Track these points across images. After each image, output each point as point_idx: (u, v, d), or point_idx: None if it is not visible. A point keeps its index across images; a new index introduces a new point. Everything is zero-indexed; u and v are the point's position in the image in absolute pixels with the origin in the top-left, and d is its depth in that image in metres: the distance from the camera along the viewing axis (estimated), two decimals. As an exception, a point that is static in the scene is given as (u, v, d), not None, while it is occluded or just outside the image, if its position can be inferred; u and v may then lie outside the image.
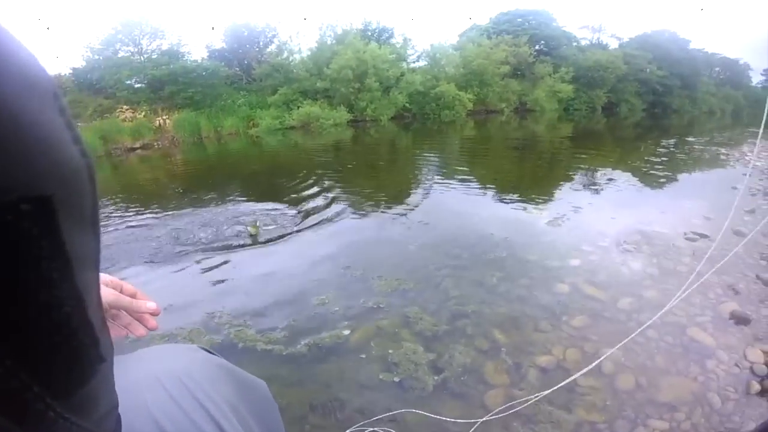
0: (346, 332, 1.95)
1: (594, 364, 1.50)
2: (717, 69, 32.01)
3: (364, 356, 1.83)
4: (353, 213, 3.70)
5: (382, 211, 3.67)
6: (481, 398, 1.60)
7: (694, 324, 2.09)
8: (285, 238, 3.30)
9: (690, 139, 9.28)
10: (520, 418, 1.50)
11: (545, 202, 4.48)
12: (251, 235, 3.33)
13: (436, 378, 1.69)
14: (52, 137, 0.14)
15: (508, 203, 4.38)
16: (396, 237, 2.94)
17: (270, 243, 3.24)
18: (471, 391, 1.64)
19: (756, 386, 1.71)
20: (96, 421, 0.21)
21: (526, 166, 6.68)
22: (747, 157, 6.19)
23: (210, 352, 0.57)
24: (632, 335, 1.62)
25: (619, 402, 1.61)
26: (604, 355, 1.56)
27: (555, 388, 1.44)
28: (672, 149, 7.86)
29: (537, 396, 1.45)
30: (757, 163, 5.63)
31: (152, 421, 0.37)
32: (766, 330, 2.01)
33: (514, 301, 2.31)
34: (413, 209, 3.86)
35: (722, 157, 6.73)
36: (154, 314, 0.52)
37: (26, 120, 0.13)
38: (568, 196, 4.63)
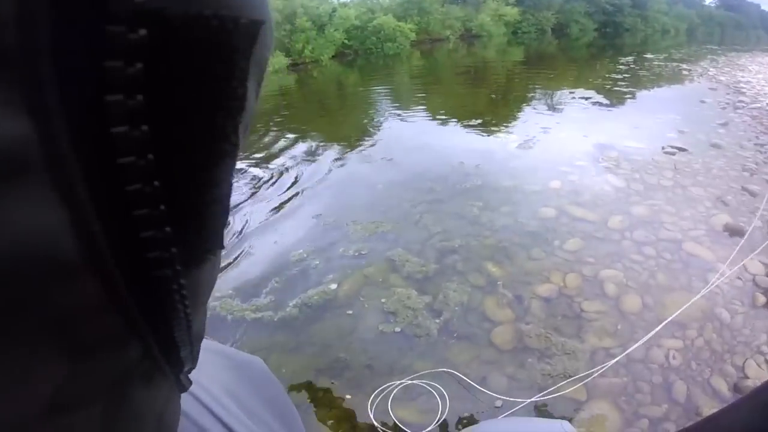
0: (333, 286, 1.72)
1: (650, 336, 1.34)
2: (668, -11, 32.04)
3: (357, 309, 1.61)
4: (310, 159, 3.29)
5: (340, 153, 3.30)
6: (488, 337, 1.42)
7: (689, 238, 2.00)
8: (243, 198, 2.86)
9: (648, 56, 9.24)
10: (533, 354, 1.35)
11: (510, 125, 4.26)
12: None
13: (437, 321, 1.50)
14: None
15: (472, 130, 4.11)
16: (361, 178, 2.65)
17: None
18: (476, 331, 1.46)
19: (761, 298, 1.65)
20: (196, 335, 0.18)
21: (483, 92, 6.38)
22: (710, 73, 6.20)
23: None
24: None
25: (629, 324, 1.49)
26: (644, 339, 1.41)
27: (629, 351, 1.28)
28: (632, 66, 7.77)
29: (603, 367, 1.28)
30: (721, 78, 5.65)
31: None
32: (761, 240, 1.94)
33: (500, 230, 2.13)
34: (373, 146, 3.51)
35: (684, 72, 6.72)
36: None
37: None
38: (533, 118, 4.42)
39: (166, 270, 0.14)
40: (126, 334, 0.14)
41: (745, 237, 1.95)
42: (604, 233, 2.04)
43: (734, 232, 2.03)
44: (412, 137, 3.85)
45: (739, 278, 1.76)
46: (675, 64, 7.55)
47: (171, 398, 0.21)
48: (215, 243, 0.16)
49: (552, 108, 4.89)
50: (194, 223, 0.15)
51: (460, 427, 1.12)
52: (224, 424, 0.40)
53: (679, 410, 1.24)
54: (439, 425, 1.13)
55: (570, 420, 1.15)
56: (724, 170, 2.69)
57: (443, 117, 4.71)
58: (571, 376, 1.28)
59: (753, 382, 1.33)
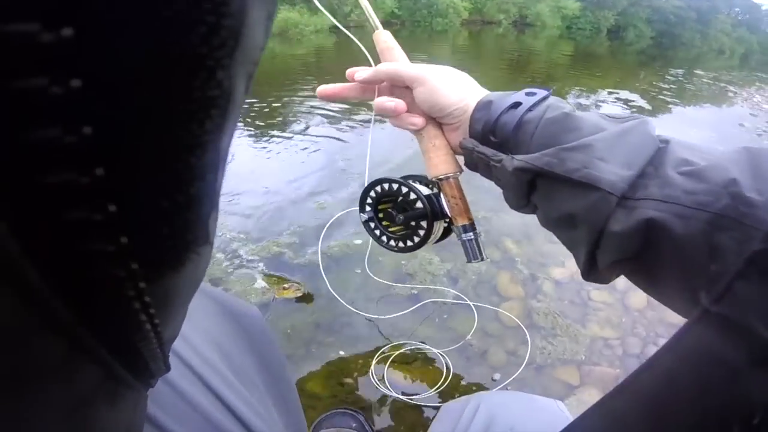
0: (358, 242, 1.70)
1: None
2: (737, 9, 30.47)
3: (378, 267, 1.60)
4: (340, 122, 3.24)
5: (367, 118, 3.24)
6: (494, 312, 1.45)
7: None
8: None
9: (698, 71, 8.90)
10: (540, 332, 1.37)
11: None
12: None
13: (453, 290, 1.51)
14: None
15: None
16: (388, 143, 2.61)
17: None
18: (491, 298, 1.49)
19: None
20: (168, 340, 0.16)
21: (520, 79, 6.19)
22: (755, 99, 5.96)
23: None
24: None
25: (631, 319, 1.51)
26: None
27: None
28: (680, 78, 7.50)
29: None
30: (765, 106, 5.44)
31: None
32: None
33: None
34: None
35: (730, 94, 6.48)
36: None
37: None
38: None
39: (124, 289, 0.11)
40: (75, 360, 0.12)
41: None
42: (624, 232, 2.04)
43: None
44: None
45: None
46: (723, 84, 7.26)
47: (139, 403, 0.19)
48: (198, 239, 0.14)
49: (594, 105, 4.76)
50: (167, 223, 0.12)
51: (457, 395, 1.16)
52: (205, 384, 0.39)
53: (663, 405, 1.28)
54: (437, 393, 1.14)
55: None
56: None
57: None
58: (568, 359, 1.31)
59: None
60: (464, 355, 1.28)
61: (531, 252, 1.77)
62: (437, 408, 1.07)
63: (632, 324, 1.50)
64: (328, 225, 1.34)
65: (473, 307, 1.42)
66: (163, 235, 0.12)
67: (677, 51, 18.75)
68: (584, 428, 0.35)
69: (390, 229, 0.55)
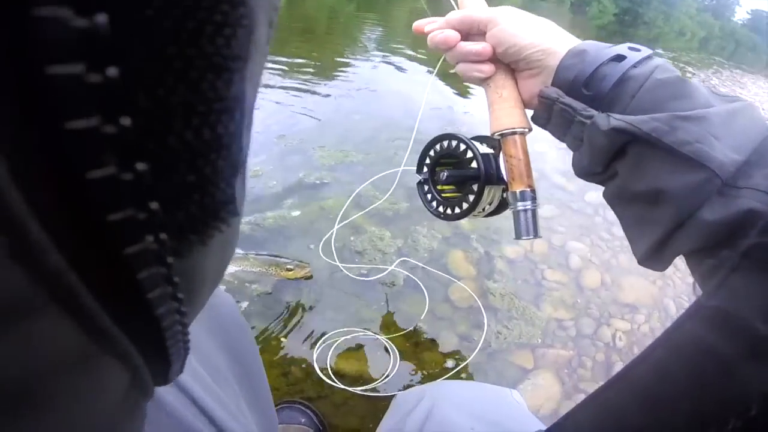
0: (295, 213, 1.55)
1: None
2: (708, -6, 31.30)
3: (319, 243, 1.47)
4: (285, 77, 2.98)
5: (318, 78, 3.00)
6: (445, 293, 1.36)
7: (658, 228, 2.00)
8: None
9: (659, 50, 9.10)
10: (495, 314, 1.31)
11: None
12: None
13: (404, 271, 1.40)
14: None
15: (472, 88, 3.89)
16: (337, 104, 2.41)
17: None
18: (442, 278, 1.39)
19: (708, 297, 1.69)
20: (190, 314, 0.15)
21: None
22: (712, 82, 6.16)
23: None
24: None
25: (585, 299, 1.47)
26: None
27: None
28: None
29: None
30: (721, 89, 5.62)
31: None
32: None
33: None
34: (356, 76, 3.22)
35: (688, 74, 6.67)
36: None
37: None
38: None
39: (154, 265, 0.10)
40: (103, 360, 0.11)
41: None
42: (579, 206, 2.00)
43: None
44: (401, 77, 3.55)
45: (690, 276, 1.78)
46: (682, 65, 7.48)
47: (144, 416, 0.17)
48: (227, 207, 0.12)
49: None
50: (197, 189, 0.11)
51: (404, 387, 1.07)
52: (180, 387, 0.36)
53: (614, 387, 1.26)
54: (386, 382, 1.05)
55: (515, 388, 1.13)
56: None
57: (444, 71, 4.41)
58: (523, 342, 1.25)
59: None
60: (413, 341, 1.19)
61: (483, 228, 1.69)
62: (388, 398, 0.99)
63: (586, 304, 1.46)
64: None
65: (424, 288, 1.33)
66: (194, 201, 0.11)
67: (638, 29, 19.18)
68: (577, 421, 0.34)
69: (444, 194, 0.51)
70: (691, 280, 1.30)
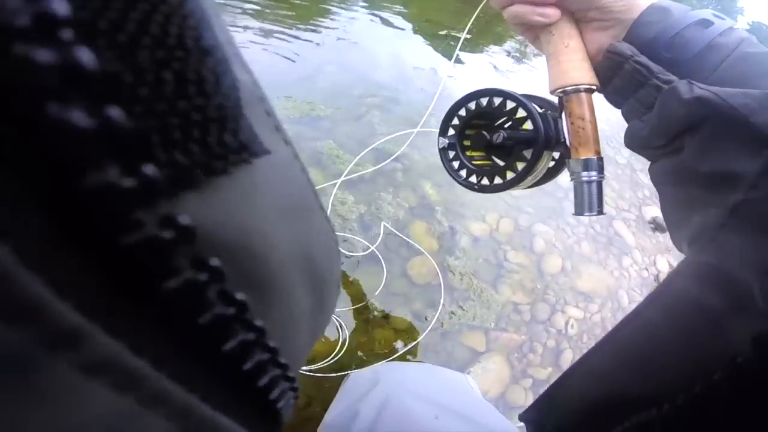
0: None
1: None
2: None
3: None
4: (260, 20, 2.69)
5: (297, 21, 2.73)
6: (403, 267, 1.29)
7: (621, 218, 2.00)
8: None
9: None
10: (452, 294, 1.25)
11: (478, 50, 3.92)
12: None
13: (363, 240, 1.31)
14: None
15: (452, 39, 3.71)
16: (312, 54, 2.20)
17: None
18: (402, 251, 1.32)
19: (659, 291, 1.72)
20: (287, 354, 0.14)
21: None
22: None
23: None
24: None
25: (544, 284, 1.45)
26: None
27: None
28: None
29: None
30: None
31: None
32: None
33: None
34: (337, 26, 2.98)
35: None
36: None
37: None
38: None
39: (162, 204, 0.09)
40: None
41: (665, 234, 2.01)
42: (550, 188, 1.96)
43: (658, 227, 2.07)
44: (384, 33, 3.32)
45: (646, 269, 1.81)
46: None
47: None
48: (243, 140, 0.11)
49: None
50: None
51: (354, 366, 1.00)
52: None
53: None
54: (336, 360, 0.99)
55: (466, 372, 1.10)
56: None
57: (431, 20, 4.17)
58: (476, 325, 1.21)
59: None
60: (364, 317, 1.13)
61: (451, 200, 1.61)
62: (338, 378, 0.93)
63: (544, 289, 1.44)
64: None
65: (382, 260, 1.26)
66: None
67: None
68: (566, 387, 0.34)
69: (475, 162, 0.45)
70: (646, 274, 1.29)
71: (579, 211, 0.39)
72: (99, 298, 0.08)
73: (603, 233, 1.85)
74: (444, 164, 0.47)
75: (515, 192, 1.74)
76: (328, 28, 2.78)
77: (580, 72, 0.38)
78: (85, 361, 0.08)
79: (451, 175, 0.46)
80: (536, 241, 1.60)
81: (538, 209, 1.77)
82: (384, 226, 1.35)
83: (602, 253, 1.76)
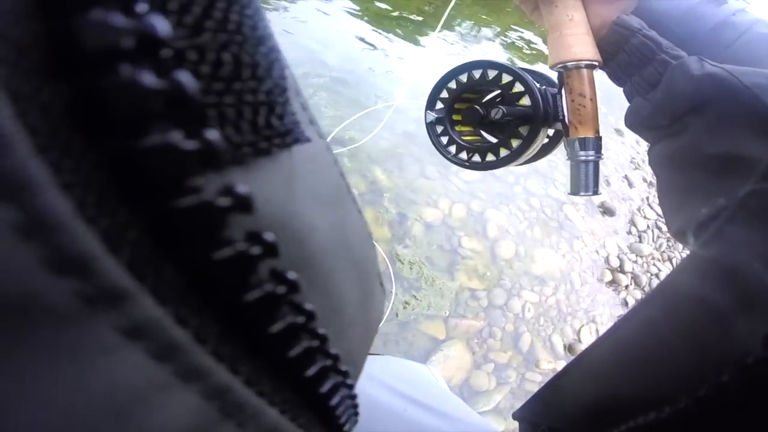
0: None
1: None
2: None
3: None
4: None
5: None
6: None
7: (571, 202, 2.01)
8: None
9: None
10: (402, 284, 1.17)
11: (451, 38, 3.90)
12: None
13: None
14: None
15: (410, 24, 3.65)
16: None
17: None
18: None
19: (608, 275, 1.74)
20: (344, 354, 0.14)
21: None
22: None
23: None
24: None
25: (499, 270, 1.41)
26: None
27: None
28: None
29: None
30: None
31: None
32: (624, 226, 2.05)
33: (401, 135, 1.86)
34: (285, 7, 2.83)
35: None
36: None
37: None
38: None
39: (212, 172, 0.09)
40: None
41: (614, 217, 2.06)
42: (502, 173, 1.93)
43: (607, 210, 2.11)
44: (345, 19, 3.20)
45: (596, 252, 1.84)
46: None
47: None
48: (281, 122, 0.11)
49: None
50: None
51: None
52: None
53: (520, 359, 1.23)
54: None
55: (428, 362, 1.03)
56: (617, 155, 2.79)
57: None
58: (432, 314, 1.15)
59: (584, 345, 1.39)
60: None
61: (401, 185, 1.54)
62: None
63: (499, 275, 1.40)
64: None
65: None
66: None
67: None
68: (568, 381, 0.32)
69: (465, 137, 0.43)
70: (596, 256, 1.27)
71: (575, 191, 0.39)
72: (149, 262, 0.08)
73: (554, 218, 1.85)
74: (431, 139, 0.45)
75: (467, 176, 1.68)
76: (264, 4, 2.62)
77: (583, 47, 0.37)
78: (127, 323, 0.07)
79: (439, 151, 0.45)
80: (489, 227, 1.56)
81: (489, 195, 1.74)
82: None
83: (554, 237, 1.75)
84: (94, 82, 0.07)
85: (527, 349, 1.25)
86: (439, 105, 0.44)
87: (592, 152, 0.39)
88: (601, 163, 0.38)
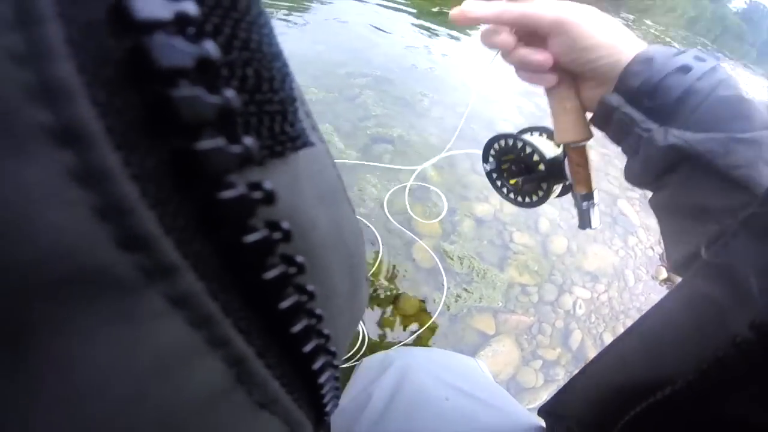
0: None
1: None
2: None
3: None
4: None
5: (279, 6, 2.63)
6: (408, 254, 1.25)
7: (625, 197, 1.96)
8: None
9: (648, 22, 9.00)
10: (454, 278, 1.21)
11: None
12: None
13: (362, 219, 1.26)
14: None
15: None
16: (300, 33, 2.12)
17: None
18: (403, 235, 1.27)
19: (663, 273, 1.68)
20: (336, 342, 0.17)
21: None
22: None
23: None
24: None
25: (550, 265, 1.41)
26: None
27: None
28: (629, 24, 7.49)
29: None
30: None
31: None
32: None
33: (450, 131, 1.87)
34: (326, 4, 2.88)
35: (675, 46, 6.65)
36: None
37: None
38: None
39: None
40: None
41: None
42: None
43: (664, 204, 2.04)
44: (380, 15, 3.22)
45: (651, 248, 1.78)
46: (668, 39, 7.46)
47: None
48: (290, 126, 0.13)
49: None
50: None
51: (367, 352, 0.97)
52: None
53: (569, 357, 1.23)
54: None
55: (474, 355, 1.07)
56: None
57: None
58: (484, 306, 1.17)
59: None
60: (373, 303, 1.09)
61: (452, 181, 1.57)
62: (344, 367, 0.89)
63: (550, 270, 1.40)
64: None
65: (381, 245, 1.21)
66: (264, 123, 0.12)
67: (628, 1, 18.82)
68: (595, 368, 0.37)
69: (511, 182, 0.56)
70: (651, 252, 1.25)
71: (580, 227, 0.52)
72: (192, 242, 0.09)
73: (608, 212, 1.82)
74: (491, 184, 0.58)
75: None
76: (315, 8, 2.70)
77: (575, 130, 0.45)
78: (174, 293, 0.09)
79: (497, 192, 0.58)
80: (541, 222, 1.56)
81: (541, 189, 1.73)
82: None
83: (607, 232, 1.72)
84: (164, 95, 0.08)
85: (577, 347, 1.24)
86: (491, 159, 0.57)
87: (586, 203, 0.50)
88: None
